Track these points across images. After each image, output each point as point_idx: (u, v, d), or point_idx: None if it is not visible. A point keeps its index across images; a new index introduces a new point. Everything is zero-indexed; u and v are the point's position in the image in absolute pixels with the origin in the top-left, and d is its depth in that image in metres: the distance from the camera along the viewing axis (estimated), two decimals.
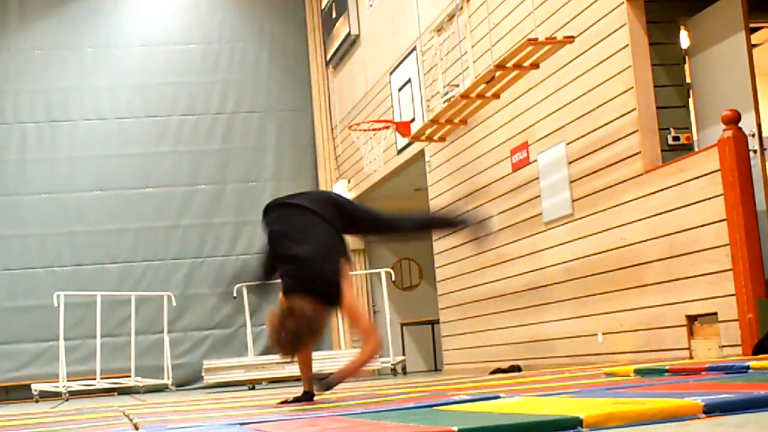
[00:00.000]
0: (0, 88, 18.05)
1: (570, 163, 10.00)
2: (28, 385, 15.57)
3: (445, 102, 11.27)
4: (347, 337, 16.52)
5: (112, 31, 18.51)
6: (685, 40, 9.00)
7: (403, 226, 7.10)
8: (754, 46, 9.25)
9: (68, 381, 14.57)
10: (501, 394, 4.66)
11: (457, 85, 11.17)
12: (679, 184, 8.21)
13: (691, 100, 8.94)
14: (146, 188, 18.18)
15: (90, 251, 17.86)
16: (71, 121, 18.17)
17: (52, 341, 16.07)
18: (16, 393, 16.96)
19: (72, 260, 17.81)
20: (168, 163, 18.23)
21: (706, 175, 7.84)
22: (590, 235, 9.68)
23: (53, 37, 18.31)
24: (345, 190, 17.79)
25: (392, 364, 14.89)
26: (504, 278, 11.71)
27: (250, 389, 12.96)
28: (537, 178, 10.75)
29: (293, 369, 13.92)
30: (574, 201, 9.96)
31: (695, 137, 8.82)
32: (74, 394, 14.84)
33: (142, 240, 18.01)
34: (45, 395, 14.74)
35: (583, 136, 9.72)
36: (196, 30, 18.75)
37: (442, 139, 12.33)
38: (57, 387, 14.35)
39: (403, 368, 16.07)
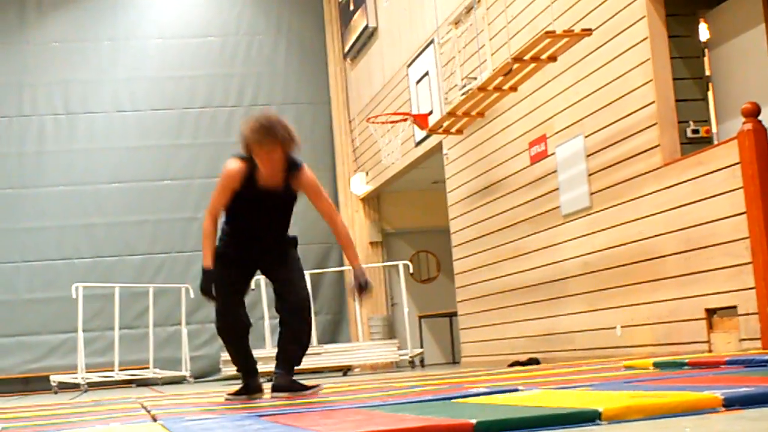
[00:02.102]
0: (18, 80, 18.11)
1: (588, 156, 9.97)
2: (47, 377, 15.62)
3: (462, 94, 11.25)
4: (364, 329, 16.52)
5: (130, 23, 18.54)
6: (704, 32, 8.96)
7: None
8: None
9: (87, 372, 14.61)
10: (519, 387, 4.66)
11: (475, 78, 11.14)
12: (698, 177, 8.18)
13: (710, 93, 8.90)
14: (164, 180, 18.22)
15: (108, 243, 17.91)
16: (89, 113, 18.22)
17: (70, 333, 16.12)
18: (35, 384, 17.02)
19: (90, 252, 17.86)
20: (186, 156, 18.25)
21: (725, 168, 7.80)
22: (609, 228, 9.65)
23: (71, 29, 18.36)
24: (363, 182, 17.80)
25: (410, 357, 14.89)
26: (522, 271, 11.69)
27: (268, 381, 12.96)
28: (555, 171, 10.72)
29: (313, 361, 13.95)
30: (592, 194, 9.93)
31: (715, 130, 8.78)
32: (93, 386, 14.89)
33: (161, 232, 18.05)
34: (64, 386, 14.79)
35: (601, 129, 9.69)
36: (214, 22, 18.77)
37: (459, 131, 12.32)
38: (76, 378, 14.40)
39: (421, 361, 16.07)
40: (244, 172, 6.43)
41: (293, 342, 6.54)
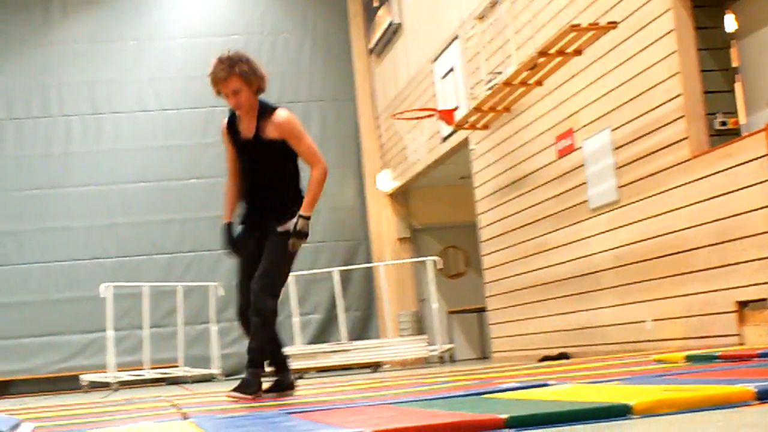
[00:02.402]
0: (44, 81, 18.20)
1: (616, 149, 9.93)
2: (76, 376, 15.68)
3: (488, 89, 11.23)
4: (393, 326, 16.52)
5: (154, 23, 18.61)
6: (731, 23, 8.91)
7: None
8: None
9: (117, 371, 14.66)
10: (550, 382, 4.65)
11: (500, 73, 11.12)
12: (727, 169, 8.13)
13: (738, 85, 8.85)
14: (191, 179, 18.27)
15: (136, 242, 17.98)
16: (115, 113, 18.30)
17: (99, 332, 16.18)
18: (64, 384, 17.10)
19: (118, 252, 17.94)
20: (212, 154, 18.26)
21: (754, 159, 7.76)
22: (637, 221, 9.61)
23: (96, 30, 18.43)
24: (389, 179, 17.79)
25: (440, 352, 14.88)
26: (551, 265, 11.66)
27: (297, 378, 12.98)
28: (582, 165, 10.69)
29: (342, 357, 13.97)
30: (620, 187, 9.90)
31: (743, 122, 8.73)
32: (123, 384, 14.94)
33: (188, 231, 18.10)
34: (94, 386, 14.85)
35: (628, 122, 9.66)
36: (239, 21, 18.80)
37: (485, 126, 12.30)
38: (106, 377, 14.45)
39: (451, 356, 16.06)
40: (228, 124, 6.50)
41: (251, 338, 6.42)
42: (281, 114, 6.41)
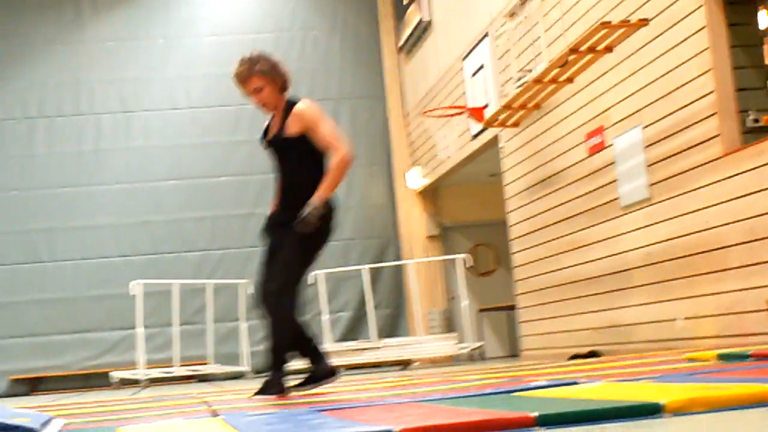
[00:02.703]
0: (74, 79, 18.29)
1: (647, 147, 9.89)
2: (106, 373, 15.75)
3: (518, 87, 11.20)
4: (423, 323, 16.51)
5: (184, 21, 18.66)
6: (764, 20, 8.84)
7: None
8: None
9: (147, 368, 14.72)
10: (580, 380, 4.63)
11: (531, 70, 11.09)
12: (759, 167, 8.08)
13: None
14: (222, 177, 18.32)
15: (166, 240, 18.05)
16: (145, 111, 18.37)
17: (129, 329, 16.25)
18: (95, 380, 17.20)
19: (148, 249, 18.02)
20: (243, 152, 18.32)
21: None
22: (669, 219, 9.57)
23: (125, 28, 18.51)
24: (419, 176, 17.78)
25: (470, 350, 14.87)
26: (582, 263, 11.62)
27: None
28: (613, 163, 10.64)
29: (372, 355, 13.97)
30: (651, 185, 9.85)
31: None
32: (153, 381, 15.00)
33: (219, 228, 18.16)
34: (124, 382, 14.91)
35: (660, 119, 9.61)
36: (268, 18, 18.83)
37: (516, 124, 12.27)
38: (136, 374, 14.51)
39: (481, 354, 16.04)
40: (264, 125, 6.59)
41: (270, 338, 6.43)
42: (299, 105, 6.44)
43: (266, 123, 6.74)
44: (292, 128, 6.39)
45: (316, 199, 6.24)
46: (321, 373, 6.47)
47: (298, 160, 6.43)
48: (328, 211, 6.40)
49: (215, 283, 16.22)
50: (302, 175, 6.42)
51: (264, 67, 6.40)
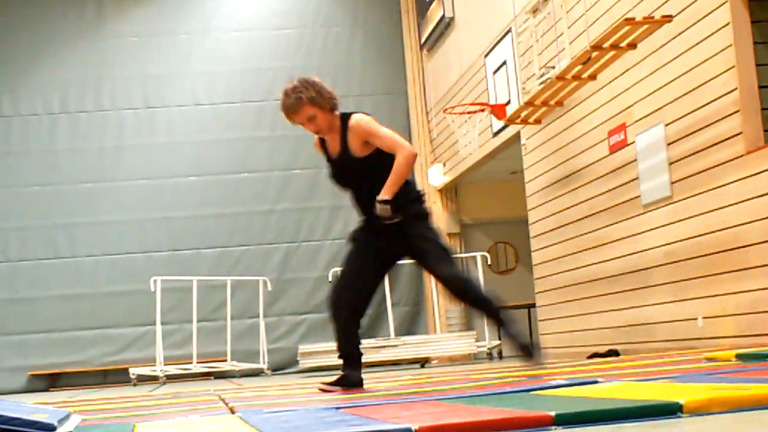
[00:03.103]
0: (97, 75, 18.34)
1: (669, 144, 9.83)
2: (126, 369, 15.79)
3: (540, 84, 11.16)
4: (442, 321, 16.49)
5: (207, 16, 18.69)
6: None
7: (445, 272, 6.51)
8: None
9: (165, 365, 14.74)
10: (599, 379, 4.60)
11: (553, 67, 11.05)
12: None
13: None
14: (243, 173, 18.34)
15: (187, 236, 18.08)
16: (167, 107, 18.40)
17: (149, 325, 16.30)
18: (114, 376, 17.25)
19: (169, 245, 18.05)
20: (265, 149, 18.35)
21: None
22: (691, 217, 9.52)
23: (149, 23, 18.54)
24: (440, 173, 17.75)
25: (488, 349, 14.84)
26: (602, 261, 11.58)
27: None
28: (635, 160, 10.60)
29: (391, 353, 13.95)
30: (673, 183, 9.80)
31: None
32: (171, 378, 15.03)
33: (239, 225, 18.17)
34: (142, 379, 14.94)
35: (682, 117, 9.55)
36: (291, 15, 18.84)
37: (537, 121, 12.22)
38: (154, 371, 14.54)
39: (500, 353, 16.01)
40: (319, 142, 6.51)
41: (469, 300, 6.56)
42: (353, 119, 6.35)
43: (316, 139, 6.57)
44: (355, 144, 6.31)
45: (384, 195, 6.18)
46: (348, 381, 6.39)
47: (373, 174, 6.34)
48: (409, 202, 6.36)
49: (234, 280, 16.24)
50: (382, 183, 6.29)
51: (311, 94, 6.27)
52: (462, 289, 6.48)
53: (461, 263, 16.73)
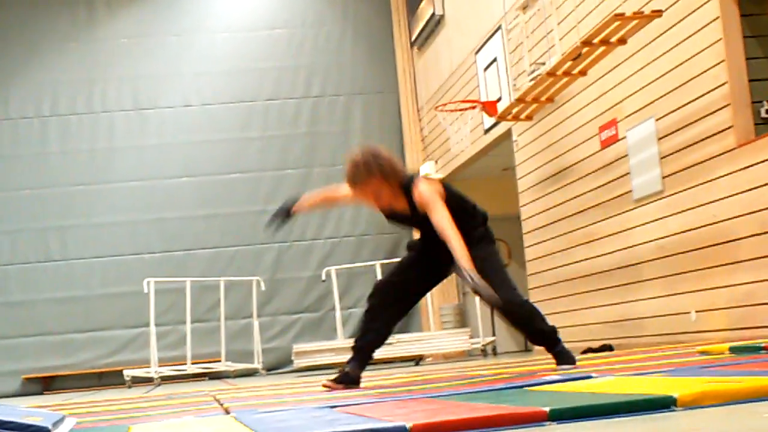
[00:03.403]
0: (88, 77, 18.31)
1: (660, 139, 9.85)
2: (120, 371, 15.77)
3: (531, 80, 11.17)
4: (436, 319, 16.50)
5: (197, 18, 18.67)
6: None
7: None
8: None
9: (159, 366, 14.73)
10: (592, 374, 4.61)
11: (544, 63, 11.06)
12: None
13: None
14: (234, 174, 18.32)
15: (179, 237, 18.06)
16: (158, 108, 18.38)
17: (143, 327, 16.29)
18: (109, 379, 17.22)
19: (161, 246, 18.03)
20: (255, 149, 18.34)
21: None
22: (682, 211, 9.53)
23: (139, 25, 18.52)
24: (432, 171, 17.74)
25: (482, 345, 14.84)
26: (595, 257, 11.59)
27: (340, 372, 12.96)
28: (626, 155, 10.61)
29: (385, 351, 13.95)
30: (664, 178, 9.81)
31: None
32: (165, 379, 15.01)
33: (231, 225, 18.15)
34: (137, 380, 14.94)
35: (673, 111, 9.57)
36: (281, 15, 18.83)
37: (529, 117, 12.24)
38: (149, 372, 14.52)
39: (494, 349, 16.01)
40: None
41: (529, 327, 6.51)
42: (416, 194, 6.07)
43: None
44: (421, 208, 6.15)
45: (467, 269, 5.86)
46: (352, 377, 6.37)
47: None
48: (473, 227, 6.36)
49: (228, 280, 16.23)
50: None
51: (385, 171, 6.08)
52: (519, 317, 6.37)
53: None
